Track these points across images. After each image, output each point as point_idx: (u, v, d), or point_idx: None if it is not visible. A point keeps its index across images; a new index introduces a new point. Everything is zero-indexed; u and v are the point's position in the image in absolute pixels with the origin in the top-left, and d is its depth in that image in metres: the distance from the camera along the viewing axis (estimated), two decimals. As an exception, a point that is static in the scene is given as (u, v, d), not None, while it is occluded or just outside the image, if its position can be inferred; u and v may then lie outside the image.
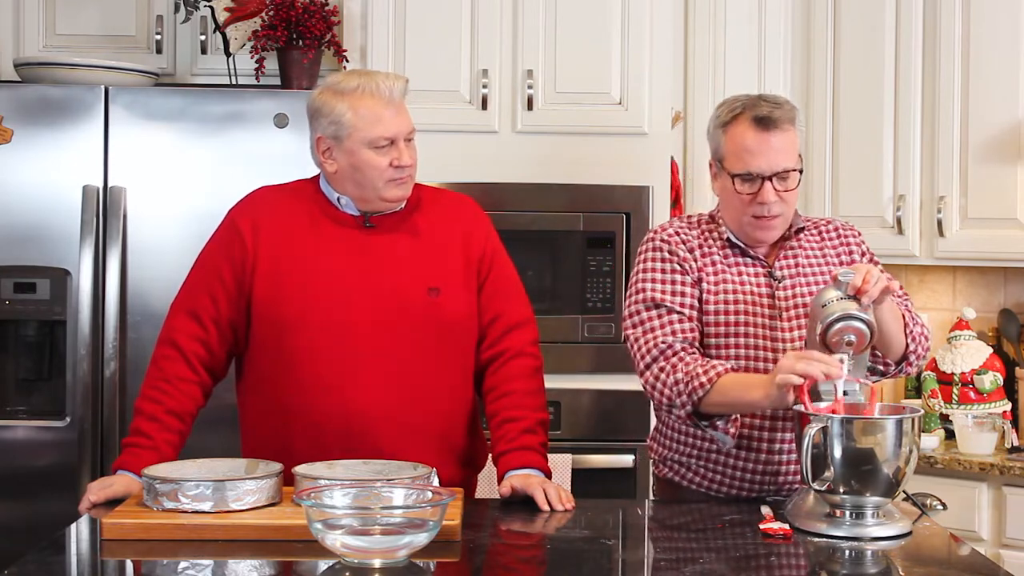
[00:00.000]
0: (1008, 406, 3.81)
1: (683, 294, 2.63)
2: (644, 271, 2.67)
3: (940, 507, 3.44)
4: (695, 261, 2.65)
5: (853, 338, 2.39)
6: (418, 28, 3.76)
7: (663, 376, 2.55)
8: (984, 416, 3.70)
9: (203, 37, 3.91)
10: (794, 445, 2.61)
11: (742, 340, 2.62)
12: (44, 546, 2.21)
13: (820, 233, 2.75)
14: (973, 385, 3.79)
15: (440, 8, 3.76)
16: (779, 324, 2.63)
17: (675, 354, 2.56)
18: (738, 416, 2.58)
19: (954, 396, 3.81)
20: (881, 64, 3.90)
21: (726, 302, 2.63)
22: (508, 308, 2.72)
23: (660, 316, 2.61)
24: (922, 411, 2.48)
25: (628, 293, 2.69)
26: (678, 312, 2.61)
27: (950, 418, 3.76)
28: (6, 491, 3.50)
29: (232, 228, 2.67)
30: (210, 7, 3.82)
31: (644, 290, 2.64)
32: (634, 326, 2.64)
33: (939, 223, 3.79)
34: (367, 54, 3.78)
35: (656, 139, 3.77)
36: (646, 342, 2.60)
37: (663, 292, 2.63)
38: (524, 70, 3.75)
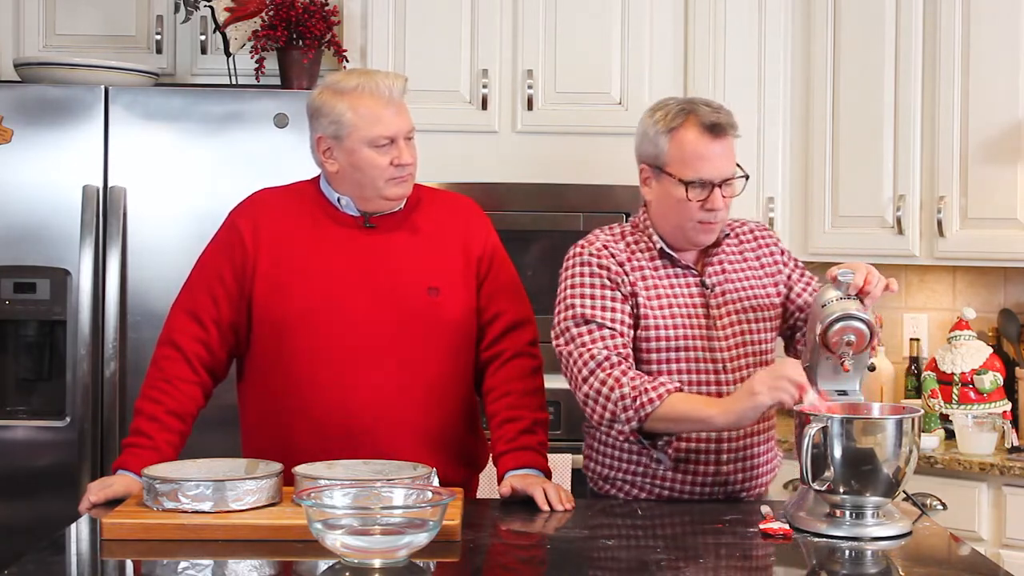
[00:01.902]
0: (1008, 406, 3.81)
1: (613, 309, 2.56)
2: (572, 287, 2.59)
3: (940, 507, 3.44)
4: (627, 275, 2.59)
5: (853, 338, 2.39)
6: (418, 28, 3.76)
7: (605, 390, 2.47)
8: (984, 416, 3.69)
9: (203, 37, 3.91)
10: (740, 454, 2.63)
11: (683, 354, 2.58)
12: (44, 546, 2.21)
13: (737, 236, 2.73)
14: (973, 385, 3.79)
15: (440, 8, 3.77)
16: (715, 333, 2.60)
17: (613, 366, 2.49)
18: (674, 439, 2.56)
19: (954, 396, 3.81)
20: (881, 64, 3.90)
21: (663, 316, 2.59)
22: (507, 308, 2.72)
23: (591, 332, 2.54)
24: (922, 411, 2.48)
25: (557, 309, 2.61)
26: (609, 328, 2.54)
27: (950, 418, 3.75)
28: (6, 491, 3.50)
29: (233, 229, 2.67)
30: (210, 7, 3.82)
31: (573, 306, 2.57)
32: (566, 342, 2.56)
33: (939, 223, 3.79)
34: (367, 54, 3.78)
35: (656, 139, 3.77)
36: (580, 355, 2.52)
37: (592, 308, 2.55)
38: (524, 70, 3.76)
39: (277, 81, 3.82)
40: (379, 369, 2.60)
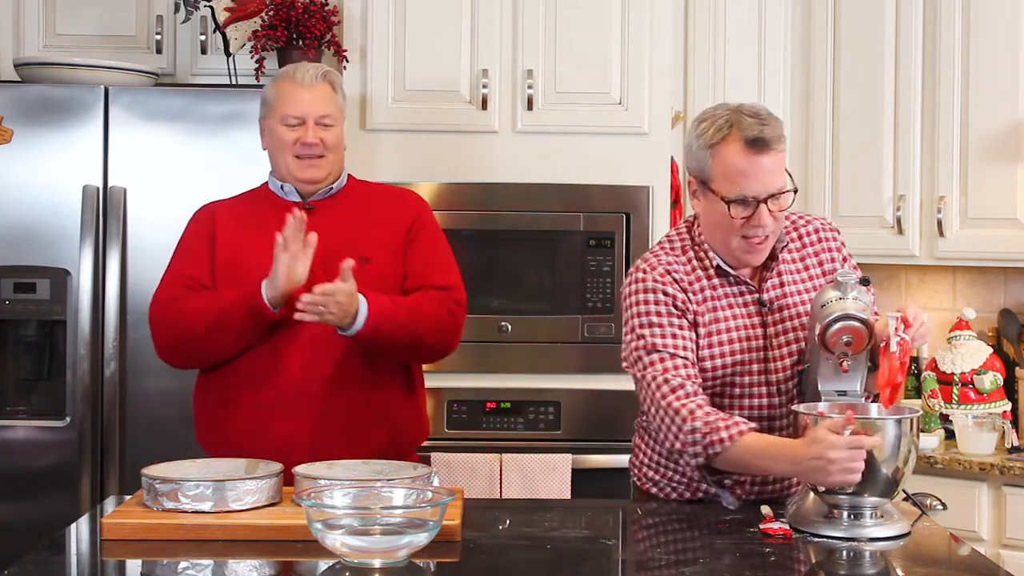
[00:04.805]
0: (1008, 406, 3.81)
1: (682, 337, 2.51)
2: (638, 315, 2.54)
3: (940, 507, 3.44)
4: (690, 303, 2.54)
5: (851, 338, 2.39)
6: (418, 28, 3.76)
7: (679, 420, 2.42)
8: (984, 416, 3.70)
9: (203, 37, 3.91)
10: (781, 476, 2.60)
11: (736, 379, 2.55)
12: (44, 546, 2.22)
13: (800, 238, 2.66)
14: (973, 385, 3.79)
15: (440, 8, 3.76)
16: (772, 353, 2.56)
17: (688, 396, 2.45)
18: (747, 481, 2.52)
19: (954, 396, 3.81)
20: (881, 64, 3.90)
21: (719, 343, 2.54)
22: (428, 273, 2.79)
23: (662, 360, 2.50)
24: (921, 411, 2.48)
25: (625, 335, 2.57)
26: (681, 357, 2.50)
27: (950, 418, 3.75)
28: (6, 491, 3.50)
29: (194, 222, 2.88)
30: (210, 7, 3.81)
31: (643, 336, 2.52)
32: (640, 368, 2.51)
33: (939, 223, 3.79)
34: (367, 54, 3.78)
35: (656, 139, 3.77)
36: (654, 378, 2.48)
37: (661, 336, 2.51)
38: (524, 70, 3.75)
39: (277, 81, 3.82)
40: (314, 335, 2.68)
